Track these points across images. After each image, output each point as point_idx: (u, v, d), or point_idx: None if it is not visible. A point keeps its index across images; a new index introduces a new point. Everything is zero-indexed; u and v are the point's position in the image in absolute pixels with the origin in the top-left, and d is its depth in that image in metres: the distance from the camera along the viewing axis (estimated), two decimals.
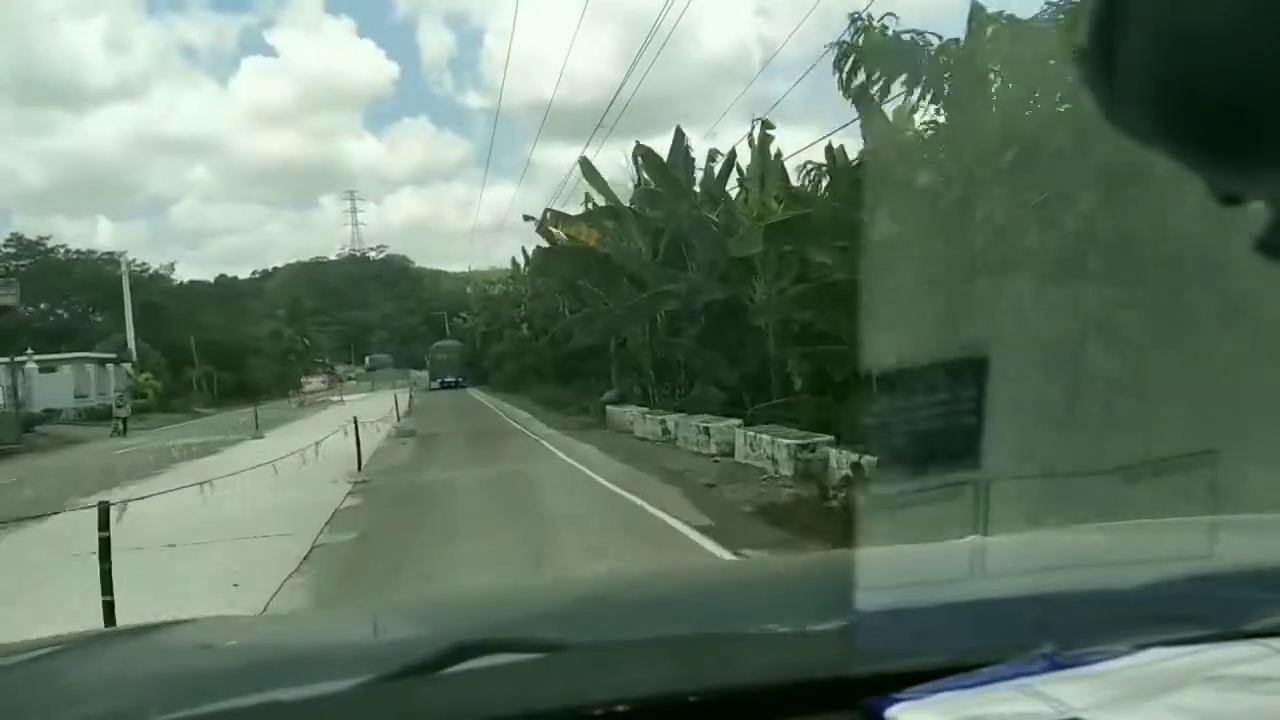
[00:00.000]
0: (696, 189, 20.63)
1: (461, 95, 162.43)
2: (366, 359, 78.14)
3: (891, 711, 0.86)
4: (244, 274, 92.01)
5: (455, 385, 51.88)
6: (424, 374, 58.58)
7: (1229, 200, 0.44)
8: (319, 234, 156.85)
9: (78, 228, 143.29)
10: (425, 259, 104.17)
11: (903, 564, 1.59)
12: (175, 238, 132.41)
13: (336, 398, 44.83)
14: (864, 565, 1.39)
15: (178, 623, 1.48)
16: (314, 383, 49.38)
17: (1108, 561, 1.43)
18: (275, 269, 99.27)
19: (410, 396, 37.98)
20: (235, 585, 7.19)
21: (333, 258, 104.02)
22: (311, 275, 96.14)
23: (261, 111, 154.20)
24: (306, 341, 72.81)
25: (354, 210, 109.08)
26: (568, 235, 24.85)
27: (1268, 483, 3.87)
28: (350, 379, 65.51)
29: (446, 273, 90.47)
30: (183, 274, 68.77)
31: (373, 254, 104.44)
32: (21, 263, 50.01)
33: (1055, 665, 0.91)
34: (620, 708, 0.90)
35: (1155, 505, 1.99)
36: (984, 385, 1.77)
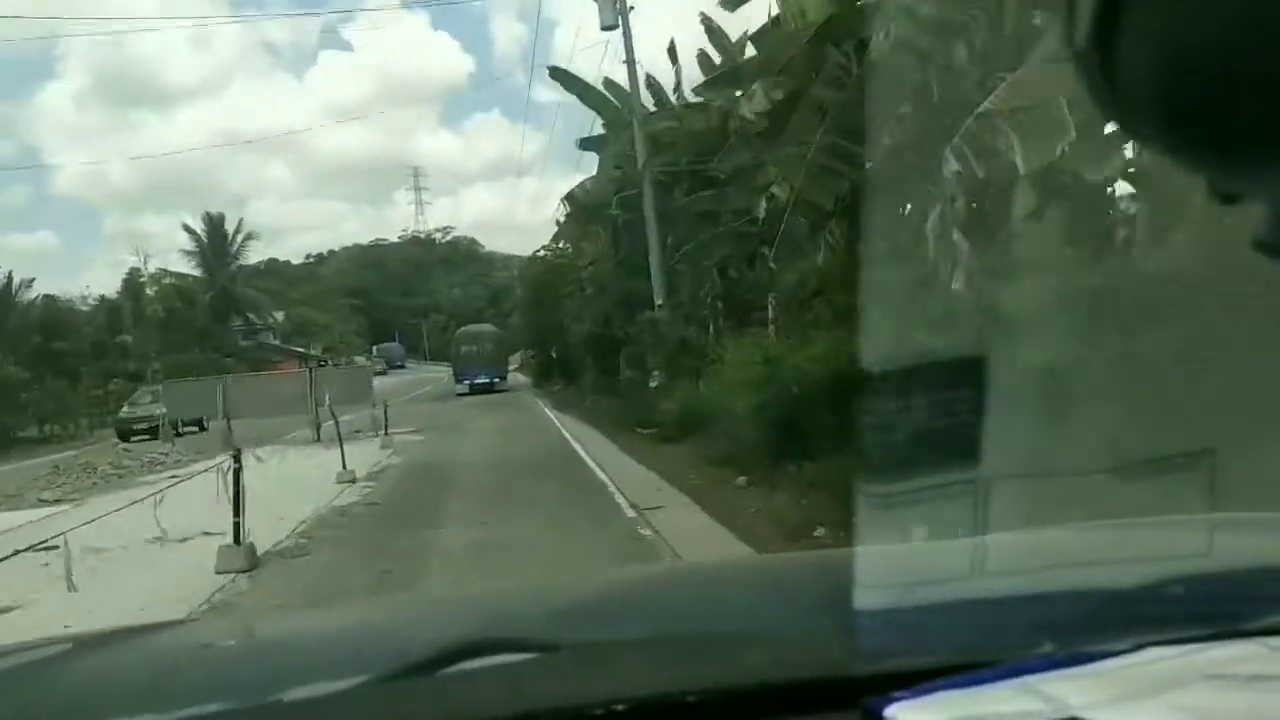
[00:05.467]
0: None
1: (534, 89, 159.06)
2: (374, 348, 65.86)
3: (891, 711, 0.85)
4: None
5: (490, 388, 36.48)
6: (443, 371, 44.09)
7: (1228, 200, 0.44)
8: (394, 228, 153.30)
9: (165, 224, 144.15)
10: (498, 247, 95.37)
11: (902, 563, 1.58)
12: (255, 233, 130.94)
13: None
14: (863, 564, 1.39)
15: (177, 623, 1.48)
16: None
17: (1107, 560, 1.43)
18: (331, 252, 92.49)
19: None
20: None
21: (394, 239, 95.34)
22: (370, 258, 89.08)
23: (338, 108, 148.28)
24: (272, 318, 50.82)
25: (417, 189, 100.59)
26: None
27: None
28: (378, 372, 38.27)
29: (521, 257, 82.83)
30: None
31: (438, 236, 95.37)
32: None
33: (1055, 664, 0.90)
34: (619, 707, 0.90)
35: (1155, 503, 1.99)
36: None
